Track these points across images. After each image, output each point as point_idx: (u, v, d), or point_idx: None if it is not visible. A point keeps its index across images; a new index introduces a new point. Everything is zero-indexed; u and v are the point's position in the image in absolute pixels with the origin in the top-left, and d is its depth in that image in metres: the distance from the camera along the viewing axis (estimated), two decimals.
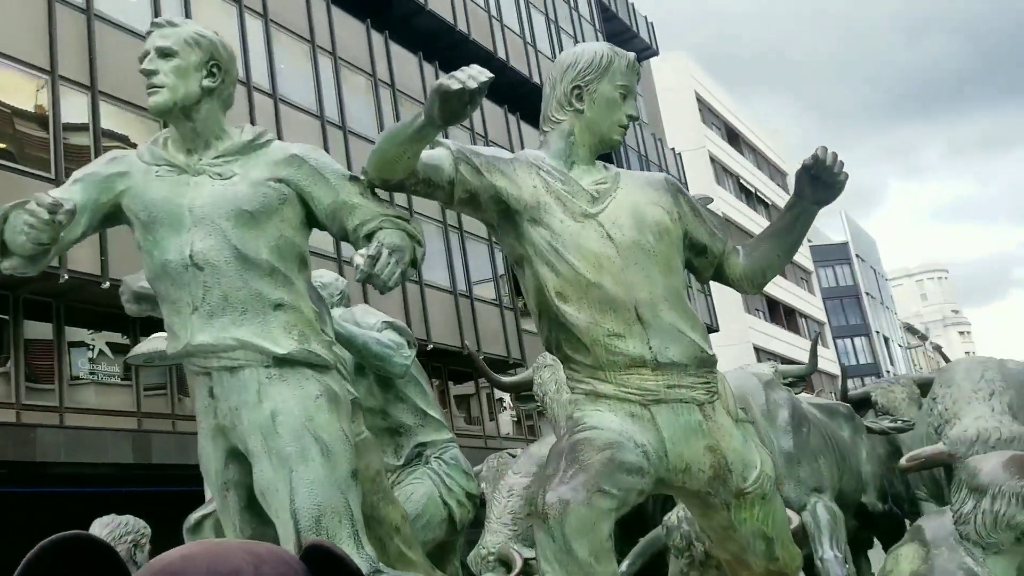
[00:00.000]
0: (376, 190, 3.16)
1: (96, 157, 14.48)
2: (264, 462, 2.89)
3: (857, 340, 57.59)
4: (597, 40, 34.60)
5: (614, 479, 2.87)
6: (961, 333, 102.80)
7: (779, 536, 3.22)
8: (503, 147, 25.07)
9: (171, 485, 13.97)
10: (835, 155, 3.12)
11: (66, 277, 13.68)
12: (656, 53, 39.24)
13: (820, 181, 3.16)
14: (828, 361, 44.11)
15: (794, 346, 44.75)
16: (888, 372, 52.85)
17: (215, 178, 3.08)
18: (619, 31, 36.31)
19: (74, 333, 15.45)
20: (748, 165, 48.58)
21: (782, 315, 48.07)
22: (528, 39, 29.17)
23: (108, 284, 13.93)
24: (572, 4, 32.92)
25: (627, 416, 3.00)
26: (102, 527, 4.64)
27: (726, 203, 40.46)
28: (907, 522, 5.85)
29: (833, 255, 58.98)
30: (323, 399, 2.97)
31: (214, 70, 3.15)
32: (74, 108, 15.24)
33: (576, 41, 32.08)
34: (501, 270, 24.33)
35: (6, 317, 14.31)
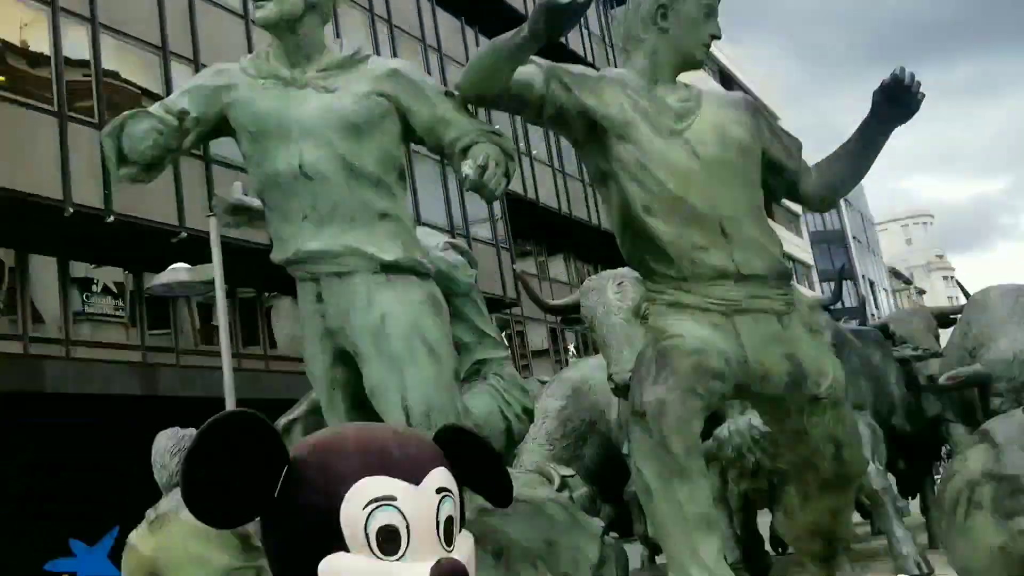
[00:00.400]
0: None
1: (96, 90, 14.35)
2: (374, 363, 3.03)
3: (843, 283, 58.14)
4: None
5: (703, 383, 3.01)
6: (945, 278, 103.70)
7: (848, 440, 3.36)
8: (457, 61, 24.80)
9: (176, 416, 14.15)
10: (912, 75, 3.20)
11: (71, 211, 13.64)
12: None
13: (897, 101, 3.24)
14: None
15: None
16: (873, 316, 53.51)
17: (320, 91, 3.17)
18: None
19: (77, 268, 15.48)
20: None
21: None
22: None
23: (112, 218, 13.94)
24: None
25: (710, 325, 3.13)
26: (167, 438, 4.77)
27: None
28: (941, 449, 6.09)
29: None
30: (427, 304, 3.12)
31: None
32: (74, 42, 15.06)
33: None
34: (498, 212, 24.35)
35: (11, 250, 14.32)
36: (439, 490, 1.86)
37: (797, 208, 54.78)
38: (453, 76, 21.27)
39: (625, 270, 4.53)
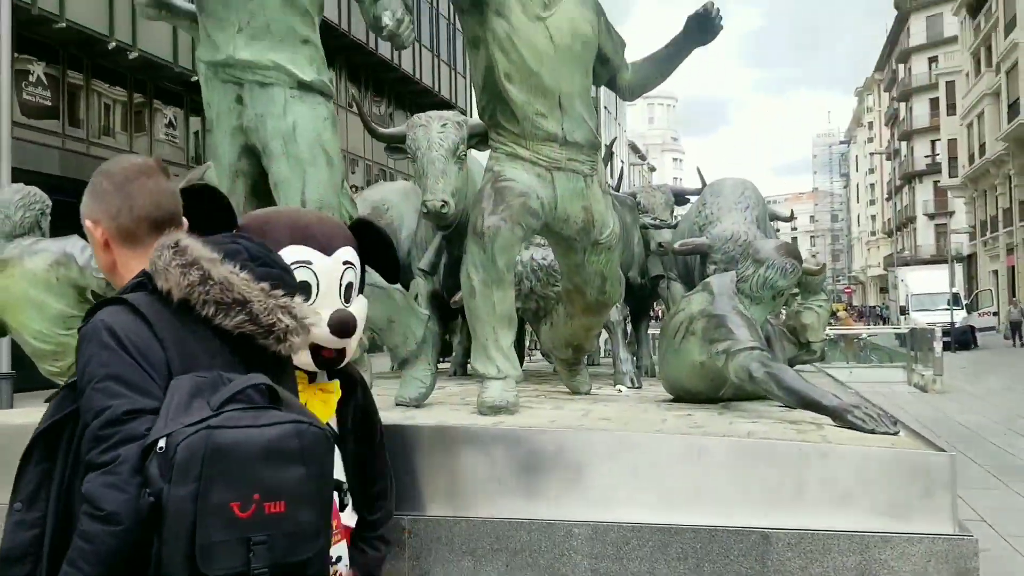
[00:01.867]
0: None
1: None
2: (282, 161, 3.64)
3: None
4: None
5: (525, 218, 3.95)
6: (675, 159, 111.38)
7: (611, 277, 4.47)
8: None
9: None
10: (718, 9, 4.18)
11: None
12: None
13: (703, 27, 4.21)
14: None
15: None
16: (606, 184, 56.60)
17: None
18: None
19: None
20: None
21: None
22: None
23: None
24: None
25: (535, 175, 4.02)
26: (13, 192, 5.06)
27: None
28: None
29: None
30: (329, 121, 3.76)
31: None
32: None
33: None
34: None
35: None
36: (344, 262, 2.64)
37: None
38: None
39: (449, 113, 5.26)
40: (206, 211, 2.13)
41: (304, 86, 3.69)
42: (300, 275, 2.40)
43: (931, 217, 59.72)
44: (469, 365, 4.85)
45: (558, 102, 4.01)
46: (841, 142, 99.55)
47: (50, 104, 18.07)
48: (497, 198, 3.92)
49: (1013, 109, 36.38)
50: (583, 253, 4.31)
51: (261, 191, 3.81)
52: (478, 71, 4.09)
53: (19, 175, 11.88)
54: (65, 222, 4.90)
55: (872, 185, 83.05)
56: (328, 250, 2.54)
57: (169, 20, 4.13)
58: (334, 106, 3.90)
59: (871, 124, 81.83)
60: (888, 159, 72.15)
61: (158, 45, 19.41)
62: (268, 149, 3.67)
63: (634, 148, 77.84)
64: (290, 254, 2.43)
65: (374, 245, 2.75)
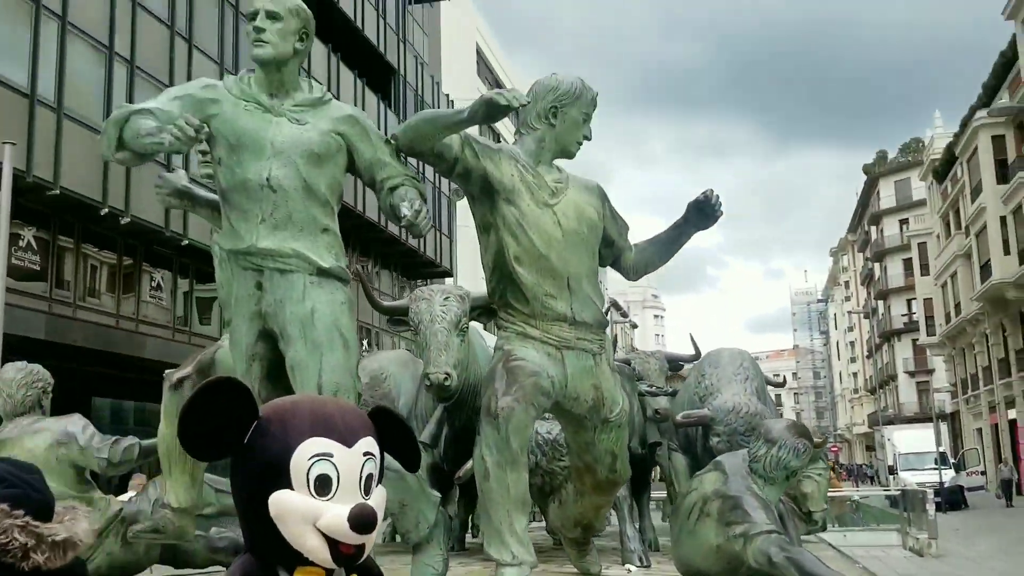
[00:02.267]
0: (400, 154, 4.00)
1: None
2: (300, 345, 3.66)
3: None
4: None
5: (537, 398, 3.94)
6: (656, 316, 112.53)
7: (622, 455, 4.42)
8: (321, 82, 24.87)
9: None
10: (718, 196, 4.31)
11: None
12: None
13: (703, 213, 4.33)
14: None
15: None
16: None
17: (293, 122, 3.80)
18: None
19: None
20: (508, 124, 50.54)
21: None
22: None
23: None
24: None
25: (545, 354, 4.06)
26: (16, 370, 5.02)
27: None
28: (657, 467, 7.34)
29: None
30: (346, 305, 3.81)
31: (304, 36, 3.88)
32: None
33: None
34: None
35: None
36: (365, 453, 2.59)
37: None
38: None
39: (452, 286, 5.32)
40: (228, 404, 2.13)
41: (323, 272, 3.77)
42: (321, 468, 2.28)
43: (912, 375, 60.04)
44: (467, 538, 4.72)
45: (567, 283, 4.10)
46: (819, 300, 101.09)
47: (38, 268, 18.20)
48: (509, 378, 3.92)
49: (985, 270, 37.24)
50: (593, 431, 4.29)
51: (276, 375, 3.81)
52: (488, 253, 4.18)
53: (4, 339, 11.83)
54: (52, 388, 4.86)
55: (852, 343, 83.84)
56: (349, 442, 2.46)
57: (190, 209, 4.24)
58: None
59: (847, 283, 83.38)
60: (866, 317, 73.14)
61: (150, 210, 19.75)
62: (286, 333, 3.71)
63: (616, 305, 78.62)
64: (312, 447, 2.35)
65: (393, 432, 2.72)
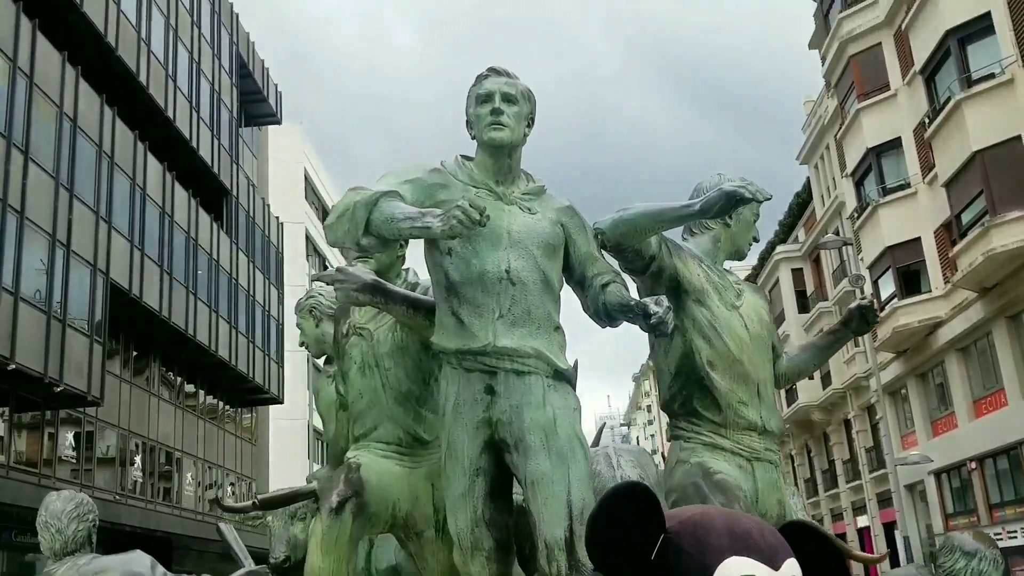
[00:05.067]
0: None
1: None
2: (542, 456, 3.28)
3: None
4: (232, 92, 34.32)
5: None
6: None
7: None
8: (126, 172, 24.04)
9: None
10: (879, 306, 4.40)
11: None
12: (279, 122, 39.79)
13: (864, 319, 4.33)
14: None
15: None
16: None
17: (525, 211, 3.56)
18: (251, 91, 36.40)
19: None
20: (336, 251, 50.11)
21: None
22: (170, 72, 28.29)
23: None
24: (215, 51, 32.53)
25: (736, 467, 3.83)
26: (65, 501, 4.29)
27: (308, 280, 41.28)
28: None
29: None
30: (578, 412, 3.50)
31: (531, 122, 3.68)
32: None
33: (212, 88, 31.65)
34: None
35: None
36: None
37: None
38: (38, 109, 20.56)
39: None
40: (637, 513, 1.98)
41: (559, 375, 3.46)
42: None
43: None
44: None
45: (757, 390, 3.95)
46: (622, 424, 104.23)
47: None
48: (727, 496, 3.63)
49: (791, 394, 39.60)
50: None
51: (499, 492, 3.46)
52: (671, 358, 3.97)
53: None
54: None
55: (658, 466, 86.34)
56: (775, 563, 2.23)
57: (382, 306, 3.82)
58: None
59: (649, 407, 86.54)
60: (668, 440, 75.74)
61: None
62: (524, 443, 3.33)
63: None
64: (734, 567, 2.14)
65: (815, 553, 2.42)
